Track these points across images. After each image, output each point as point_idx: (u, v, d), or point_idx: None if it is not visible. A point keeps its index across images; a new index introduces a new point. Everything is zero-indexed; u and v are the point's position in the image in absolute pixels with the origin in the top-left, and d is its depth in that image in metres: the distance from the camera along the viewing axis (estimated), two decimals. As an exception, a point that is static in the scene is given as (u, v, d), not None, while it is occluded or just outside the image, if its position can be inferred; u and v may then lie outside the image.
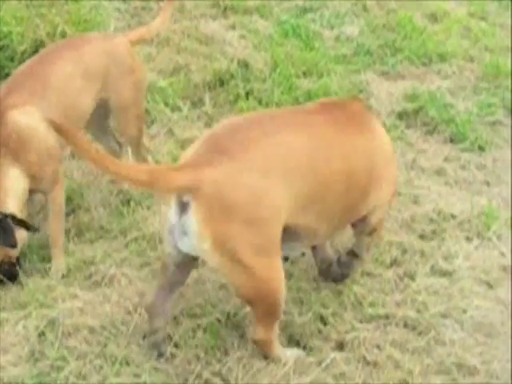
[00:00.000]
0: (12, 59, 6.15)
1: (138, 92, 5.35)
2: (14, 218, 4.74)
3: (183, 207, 3.73)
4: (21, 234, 4.82)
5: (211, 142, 3.86)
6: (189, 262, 4.08)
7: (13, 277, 4.87)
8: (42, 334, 4.45)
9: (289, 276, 4.84)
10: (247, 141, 3.82)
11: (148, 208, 5.41)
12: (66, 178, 5.55)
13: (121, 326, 4.49)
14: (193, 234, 3.72)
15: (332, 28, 7.26)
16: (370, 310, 4.61)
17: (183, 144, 5.98)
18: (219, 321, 4.48)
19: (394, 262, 5.00)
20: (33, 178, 4.82)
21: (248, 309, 4.39)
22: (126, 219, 5.31)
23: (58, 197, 4.97)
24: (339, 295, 4.70)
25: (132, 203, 5.44)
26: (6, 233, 4.71)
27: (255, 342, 4.19)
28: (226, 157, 3.73)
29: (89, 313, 4.56)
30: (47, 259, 5.03)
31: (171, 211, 3.83)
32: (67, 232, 5.18)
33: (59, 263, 4.98)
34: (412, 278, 4.88)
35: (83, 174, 5.73)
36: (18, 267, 4.89)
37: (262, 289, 3.88)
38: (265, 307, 3.99)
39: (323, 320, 4.55)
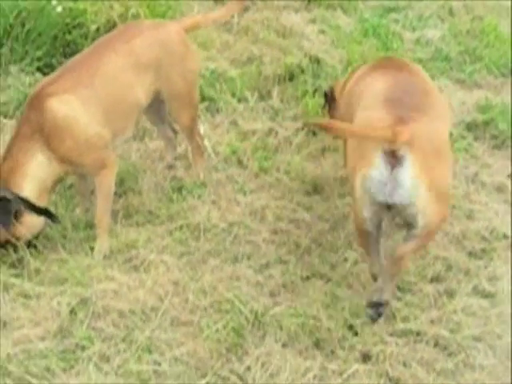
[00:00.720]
0: (86, 37, 6.27)
1: (191, 81, 5.36)
2: (25, 201, 4.81)
3: (395, 162, 4.05)
4: (32, 219, 4.89)
5: (395, 104, 4.30)
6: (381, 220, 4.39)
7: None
8: (72, 312, 4.53)
9: (326, 280, 4.82)
10: (418, 98, 4.42)
11: (199, 197, 5.43)
12: (123, 160, 5.64)
13: (150, 313, 4.52)
14: (410, 181, 4.08)
15: (414, 30, 7.11)
16: (401, 325, 4.52)
17: (245, 136, 5.99)
18: (246, 319, 4.46)
19: (437, 278, 4.89)
20: (70, 164, 4.90)
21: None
22: (174, 206, 5.34)
23: (105, 181, 5.02)
24: (373, 305, 4.62)
25: (184, 191, 5.47)
26: (3, 213, 4.80)
27: (400, 259, 4.36)
28: (419, 113, 4.26)
29: (121, 296, 4.61)
30: (93, 239, 5.11)
31: (379, 171, 4.11)
32: (115, 213, 5.24)
33: (102, 244, 5.04)
34: (452, 296, 4.76)
35: (141, 157, 5.79)
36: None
37: (446, 216, 4.46)
38: (436, 229, 4.38)
39: (352, 329, 4.49)
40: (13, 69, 6.39)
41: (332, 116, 5.49)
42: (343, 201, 5.41)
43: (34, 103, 4.90)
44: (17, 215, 4.87)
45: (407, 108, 4.27)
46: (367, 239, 4.47)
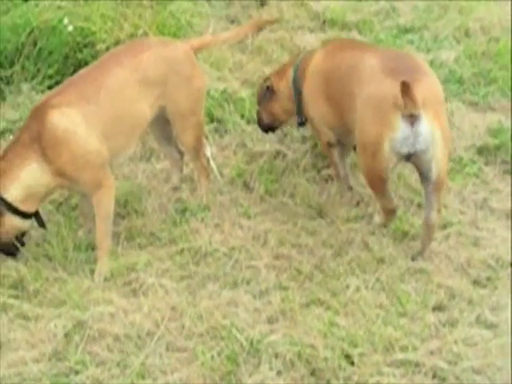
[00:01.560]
0: (96, 56, 6.25)
1: (197, 100, 5.35)
2: (7, 203, 4.90)
3: (414, 120, 4.76)
4: (11, 220, 4.96)
5: (394, 72, 4.90)
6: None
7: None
8: (68, 335, 4.53)
9: (326, 307, 4.76)
10: (407, 62, 5.14)
11: (202, 220, 5.41)
12: (129, 181, 5.63)
13: (145, 337, 4.51)
14: (428, 131, 4.80)
15: (428, 51, 7.02)
16: (400, 355, 4.43)
17: (252, 158, 5.96)
18: (242, 346, 4.41)
19: (439, 307, 4.79)
20: (64, 178, 4.92)
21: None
22: (177, 229, 5.33)
23: (103, 202, 5.02)
24: (372, 335, 4.54)
25: (187, 213, 5.44)
26: None
27: (433, 226, 5.08)
28: (418, 74, 4.93)
29: (118, 320, 4.60)
30: (94, 260, 5.11)
31: (402, 130, 4.79)
32: (118, 235, 5.24)
33: (102, 266, 5.03)
34: (453, 325, 4.66)
35: (147, 178, 5.78)
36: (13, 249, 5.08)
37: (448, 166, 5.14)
38: (445, 178, 5.08)
39: (349, 358, 4.41)
40: (24, 87, 6.43)
41: (272, 108, 5.80)
42: (348, 226, 5.34)
43: (37, 113, 4.95)
44: None
45: (406, 72, 4.88)
46: (385, 184, 5.06)
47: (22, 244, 5.14)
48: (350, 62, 5.20)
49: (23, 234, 5.14)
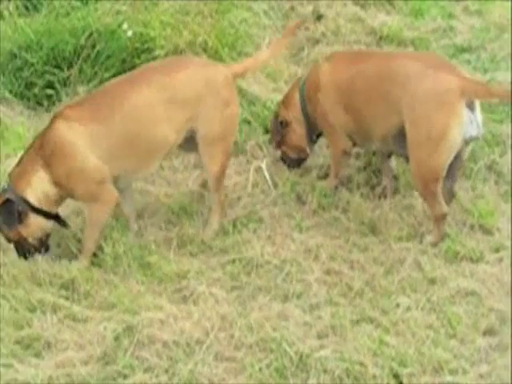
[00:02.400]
0: (153, 62, 6.30)
1: (230, 127, 5.28)
2: (30, 204, 5.03)
3: (471, 106, 5.20)
4: (36, 221, 5.08)
5: (434, 65, 5.37)
6: None
7: (23, 254, 5.16)
8: (117, 339, 4.54)
9: (376, 325, 4.72)
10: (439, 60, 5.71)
11: (254, 231, 5.41)
12: (181, 188, 5.66)
13: (194, 345, 4.50)
14: (479, 117, 5.27)
15: (485, 71, 6.96)
16: (448, 378, 4.39)
17: (306, 171, 5.99)
18: (291, 360, 4.39)
19: (490, 331, 4.73)
20: (60, 187, 5.04)
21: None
22: (229, 238, 5.34)
23: (94, 214, 5.13)
24: (421, 355, 4.50)
25: (239, 224, 5.44)
26: (8, 213, 5.03)
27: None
28: (455, 68, 5.47)
29: (167, 326, 4.61)
30: (145, 265, 5.13)
31: (467, 115, 5.19)
32: (169, 241, 5.27)
33: (80, 263, 5.14)
34: (505, 349, 4.60)
35: (200, 186, 5.78)
36: (33, 249, 5.14)
37: None
38: None
39: (398, 378, 4.38)
40: (81, 89, 6.48)
41: (292, 140, 5.89)
42: (400, 244, 5.31)
43: (52, 120, 5.07)
44: (21, 216, 5.03)
45: (446, 67, 5.41)
46: (438, 184, 5.26)
47: (47, 248, 5.21)
48: (379, 69, 5.43)
49: (47, 235, 5.21)
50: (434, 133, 5.16)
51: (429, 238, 5.38)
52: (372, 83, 5.40)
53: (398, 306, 4.86)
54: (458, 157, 5.32)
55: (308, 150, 5.98)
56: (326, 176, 5.91)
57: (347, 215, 5.56)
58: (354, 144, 5.71)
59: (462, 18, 7.86)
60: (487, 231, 5.44)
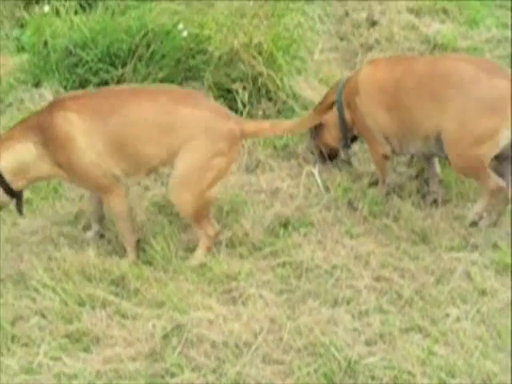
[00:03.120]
0: (208, 63, 6.32)
1: (209, 176, 5.08)
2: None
3: None
4: None
5: (489, 70, 5.46)
6: None
7: None
8: (166, 337, 4.55)
9: (425, 335, 4.68)
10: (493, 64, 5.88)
11: (304, 235, 5.40)
12: (231, 190, 5.67)
13: (242, 347, 4.50)
14: None
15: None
16: (497, 391, 4.36)
17: (358, 177, 5.98)
18: (339, 365, 4.38)
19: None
20: (62, 171, 5.08)
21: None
22: (279, 241, 5.34)
23: (115, 206, 5.20)
24: (470, 367, 4.46)
25: (290, 227, 5.44)
26: None
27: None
28: (506, 73, 5.48)
29: (216, 327, 4.61)
30: (196, 266, 5.15)
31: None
32: (219, 243, 5.27)
33: (129, 255, 5.23)
34: (555, 365, 4.56)
35: (251, 189, 5.80)
36: None
37: None
38: None
39: (446, 389, 4.35)
40: (135, 87, 6.50)
41: (325, 139, 6.02)
42: (450, 254, 5.27)
43: (54, 105, 5.11)
44: None
45: (499, 71, 5.47)
46: (486, 166, 5.37)
47: None
48: (432, 68, 5.49)
49: None
50: (479, 134, 5.28)
51: (476, 207, 5.52)
52: (423, 81, 5.44)
53: (447, 316, 4.82)
54: (501, 156, 5.42)
55: (342, 155, 6.07)
56: (376, 183, 5.89)
57: (398, 223, 5.54)
58: (393, 151, 5.71)
59: (517, 28, 7.82)
60: (540, 244, 5.38)
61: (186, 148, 5.03)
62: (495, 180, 5.40)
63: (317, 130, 5.98)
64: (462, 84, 5.32)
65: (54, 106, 5.09)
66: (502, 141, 5.30)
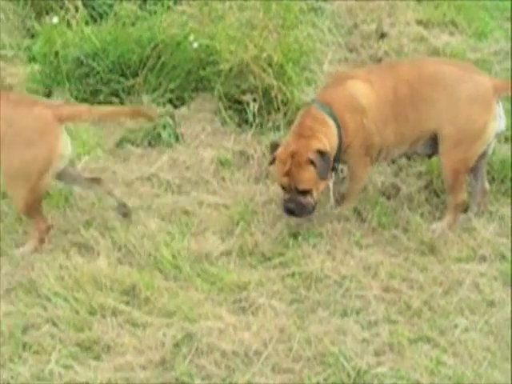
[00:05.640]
0: (218, 75, 6.36)
1: (31, 167, 5.14)
2: None
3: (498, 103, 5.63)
4: None
5: (466, 69, 5.80)
6: None
7: None
8: (177, 346, 4.58)
9: (433, 345, 4.70)
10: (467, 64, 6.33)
11: (314, 246, 5.43)
12: (242, 200, 5.70)
13: (252, 356, 4.54)
14: (502, 111, 5.65)
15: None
16: (507, 403, 4.38)
17: (367, 188, 5.96)
18: (348, 375, 4.41)
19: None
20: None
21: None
22: (289, 252, 5.36)
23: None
24: (478, 377, 4.48)
25: (300, 237, 5.47)
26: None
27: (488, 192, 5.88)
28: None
29: (226, 336, 4.65)
30: (206, 275, 5.18)
31: (498, 111, 5.59)
32: (229, 252, 5.31)
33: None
34: None
35: (261, 199, 5.83)
36: None
37: None
38: None
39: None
40: (145, 98, 6.56)
41: None
42: (459, 265, 5.30)
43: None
44: None
45: (472, 69, 5.83)
46: (467, 173, 5.66)
47: None
48: (418, 73, 5.63)
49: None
50: (474, 130, 5.52)
51: (440, 225, 5.59)
52: (415, 88, 5.57)
53: (455, 326, 4.85)
54: (484, 152, 5.66)
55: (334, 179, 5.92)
56: (386, 193, 5.93)
57: (407, 234, 5.56)
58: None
59: (525, 41, 7.84)
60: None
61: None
62: (464, 194, 5.64)
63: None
64: (448, 85, 5.55)
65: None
66: (490, 136, 5.55)
